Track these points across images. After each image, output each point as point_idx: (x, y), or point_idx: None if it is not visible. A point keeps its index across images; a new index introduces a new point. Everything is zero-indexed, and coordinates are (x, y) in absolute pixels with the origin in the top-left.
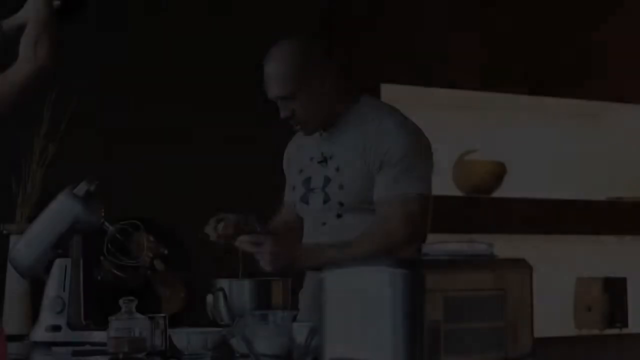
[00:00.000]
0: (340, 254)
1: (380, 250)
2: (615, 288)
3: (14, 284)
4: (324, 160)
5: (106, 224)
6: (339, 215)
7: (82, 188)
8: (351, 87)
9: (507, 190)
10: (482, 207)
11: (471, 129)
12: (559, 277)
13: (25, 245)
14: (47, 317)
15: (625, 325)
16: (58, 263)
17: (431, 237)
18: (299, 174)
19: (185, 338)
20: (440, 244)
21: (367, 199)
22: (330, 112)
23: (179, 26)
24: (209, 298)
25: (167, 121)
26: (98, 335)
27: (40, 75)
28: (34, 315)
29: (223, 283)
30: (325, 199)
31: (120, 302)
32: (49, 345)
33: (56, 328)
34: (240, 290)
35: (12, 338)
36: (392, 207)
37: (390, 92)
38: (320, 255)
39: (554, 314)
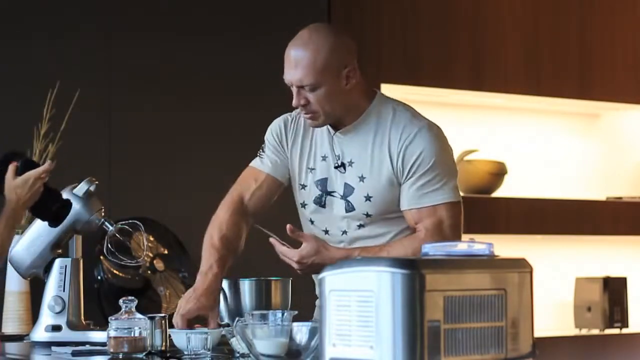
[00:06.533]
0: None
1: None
2: (615, 288)
3: (14, 284)
4: (341, 166)
5: (106, 224)
6: (360, 225)
7: (82, 188)
8: (368, 84)
9: (507, 190)
10: (482, 207)
11: (471, 129)
12: (559, 277)
13: (26, 245)
14: (47, 317)
15: (625, 325)
16: (58, 263)
17: None
18: (310, 172)
19: (185, 338)
20: (440, 244)
21: (393, 209)
22: (346, 111)
23: (179, 28)
24: None
25: (167, 121)
26: (98, 335)
27: None
28: (34, 315)
29: (223, 283)
30: (349, 208)
31: (120, 302)
32: (49, 345)
33: (56, 328)
34: (240, 290)
35: (12, 338)
36: (421, 219)
37: (389, 92)
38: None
39: (554, 314)
